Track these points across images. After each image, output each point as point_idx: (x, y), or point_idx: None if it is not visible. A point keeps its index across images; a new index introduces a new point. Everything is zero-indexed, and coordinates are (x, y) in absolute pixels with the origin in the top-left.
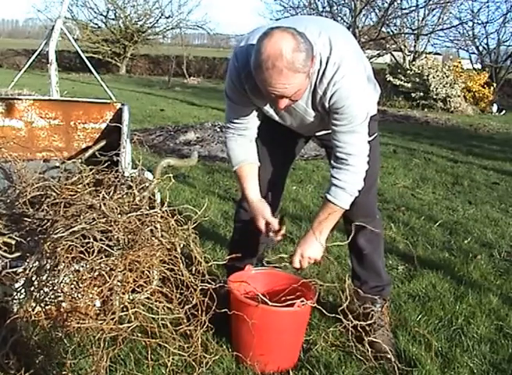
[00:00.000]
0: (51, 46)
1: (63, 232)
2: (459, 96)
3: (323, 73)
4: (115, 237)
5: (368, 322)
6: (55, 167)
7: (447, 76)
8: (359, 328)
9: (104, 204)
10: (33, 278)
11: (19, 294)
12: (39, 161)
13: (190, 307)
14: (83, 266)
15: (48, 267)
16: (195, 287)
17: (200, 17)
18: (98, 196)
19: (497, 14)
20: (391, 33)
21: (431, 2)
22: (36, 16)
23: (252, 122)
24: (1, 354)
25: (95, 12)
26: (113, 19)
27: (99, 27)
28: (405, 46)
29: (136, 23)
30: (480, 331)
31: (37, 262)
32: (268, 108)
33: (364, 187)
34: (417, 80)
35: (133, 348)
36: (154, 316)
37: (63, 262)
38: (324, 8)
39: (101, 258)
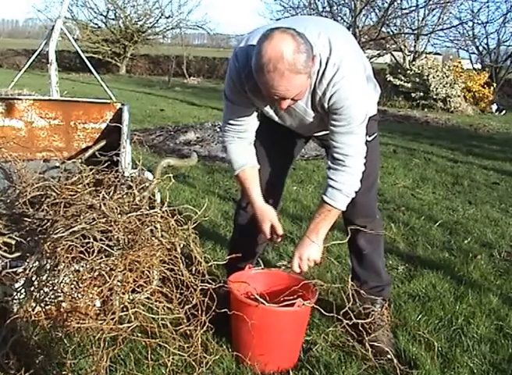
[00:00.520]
0: (51, 46)
1: (63, 232)
2: (459, 96)
3: (323, 73)
4: (115, 237)
5: (368, 322)
6: (55, 167)
7: (447, 76)
8: (359, 328)
9: (104, 204)
10: (33, 278)
11: (19, 294)
12: (39, 161)
13: (190, 307)
14: (83, 266)
15: (48, 267)
16: (195, 287)
17: (200, 17)
18: (98, 196)
19: (497, 14)
20: (391, 33)
21: (431, 2)
22: (36, 16)
23: (251, 124)
24: (1, 354)
25: (95, 12)
26: (113, 19)
27: (99, 27)
28: (405, 46)
29: (136, 23)
30: (480, 331)
31: (37, 262)
32: (268, 109)
33: (364, 187)
34: (417, 80)
35: (133, 348)
36: (154, 316)
37: (63, 262)
38: (324, 8)
39: (101, 258)
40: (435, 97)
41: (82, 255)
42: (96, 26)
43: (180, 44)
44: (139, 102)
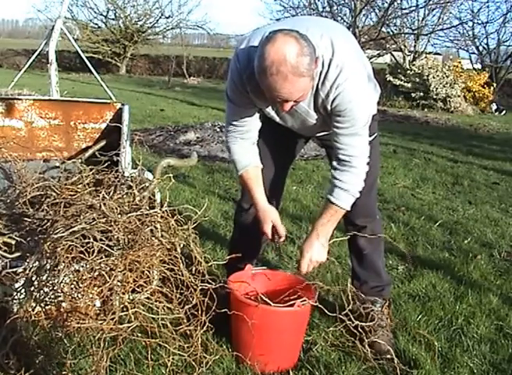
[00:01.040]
0: (51, 46)
1: (63, 232)
2: (459, 96)
3: (325, 75)
4: (115, 237)
5: (368, 322)
6: (55, 167)
7: (447, 76)
8: (359, 328)
9: (104, 204)
10: (33, 278)
11: (19, 294)
12: (39, 161)
13: (190, 307)
14: (83, 266)
15: (48, 267)
16: (195, 287)
17: (200, 17)
18: (98, 196)
19: (497, 14)
20: (391, 33)
21: (431, 2)
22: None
23: (253, 124)
24: (1, 354)
25: (95, 12)
26: (113, 19)
27: (99, 27)
28: (405, 46)
29: (136, 23)
30: (480, 331)
31: (37, 262)
32: (269, 110)
33: (365, 187)
34: (417, 80)
35: (133, 348)
36: (154, 316)
37: (63, 262)
38: (324, 8)
39: (101, 258)
40: (435, 97)
41: (82, 255)
42: (96, 26)
43: (180, 44)
44: (139, 102)
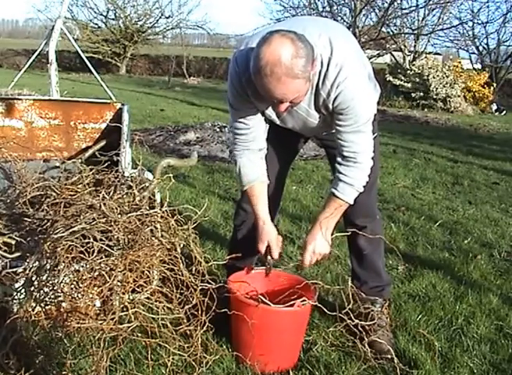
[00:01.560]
0: (51, 46)
1: (63, 232)
2: (459, 96)
3: (325, 74)
4: (115, 237)
5: (368, 322)
6: (55, 167)
7: (447, 76)
8: (359, 328)
9: (104, 204)
10: (33, 278)
11: (19, 294)
12: (39, 161)
13: (190, 307)
14: (83, 266)
15: (48, 267)
16: (195, 287)
17: (200, 17)
18: (98, 196)
19: (497, 14)
20: (391, 33)
21: (431, 2)
22: (36, 16)
23: (258, 131)
24: (1, 354)
25: (95, 12)
26: (113, 19)
27: (99, 27)
28: (405, 46)
29: (136, 23)
30: (480, 331)
31: (37, 262)
32: (270, 112)
33: (365, 187)
34: (417, 80)
35: (133, 348)
36: (154, 316)
37: (63, 262)
38: (324, 8)
39: (101, 258)
40: (435, 97)
41: (82, 255)
42: (96, 26)
43: (180, 44)
44: (139, 102)
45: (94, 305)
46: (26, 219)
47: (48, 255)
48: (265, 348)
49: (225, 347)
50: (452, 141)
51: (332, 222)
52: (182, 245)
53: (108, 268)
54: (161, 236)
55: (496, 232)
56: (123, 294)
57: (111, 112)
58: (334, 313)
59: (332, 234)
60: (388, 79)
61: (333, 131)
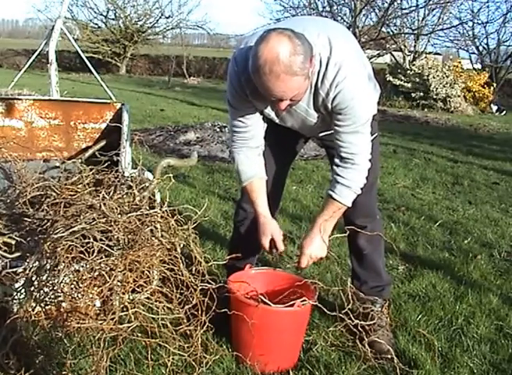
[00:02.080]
0: (51, 46)
1: (63, 232)
2: (459, 96)
3: (324, 74)
4: (115, 237)
5: (368, 322)
6: (55, 167)
7: (447, 76)
8: (359, 328)
9: (104, 204)
10: (33, 278)
11: (19, 294)
12: (39, 161)
13: (190, 307)
14: (83, 266)
15: (48, 267)
16: (195, 287)
17: (200, 17)
18: (98, 196)
19: (497, 14)
20: (391, 33)
21: (431, 2)
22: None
23: (257, 130)
24: (1, 354)
25: (95, 12)
26: (113, 19)
27: (99, 27)
28: (405, 46)
29: (136, 23)
30: (480, 331)
31: (37, 262)
32: (269, 111)
33: (365, 187)
34: (417, 80)
35: (133, 348)
36: (154, 316)
37: (63, 262)
38: (324, 8)
39: (101, 258)
40: (435, 97)
41: (82, 255)
42: (96, 26)
43: (180, 44)
44: (139, 102)
45: (94, 305)
46: (26, 219)
47: (48, 255)
48: (265, 348)
49: (225, 347)
50: (452, 141)
51: (330, 224)
52: (182, 245)
53: (108, 268)
54: (161, 236)
55: (496, 232)
56: (123, 294)
57: (111, 112)
58: (334, 313)
59: (331, 235)
60: (388, 79)
61: (333, 131)
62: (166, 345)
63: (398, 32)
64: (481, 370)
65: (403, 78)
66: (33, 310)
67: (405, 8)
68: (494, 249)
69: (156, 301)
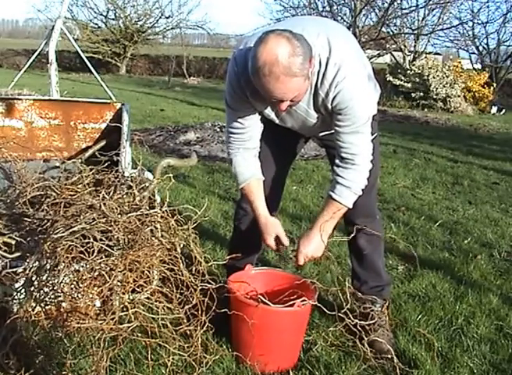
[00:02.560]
0: (51, 46)
1: (63, 232)
2: (459, 96)
3: (324, 74)
4: (115, 237)
5: (369, 323)
6: (55, 167)
7: (447, 76)
8: (359, 328)
9: (104, 204)
10: (33, 278)
11: (19, 294)
12: (39, 161)
13: (190, 307)
14: (83, 266)
15: (48, 267)
16: (195, 287)
17: (200, 17)
18: (98, 196)
19: (497, 14)
20: (391, 33)
21: (431, 2)
22: (36, 16)
23: (254, 131)
24: (1, 354)
25: (95, 12)
26: (113, 19)
27: (99, 27)
28: (405, 46)
29: (136, 23)
30: (480, 331)
31: (37, 262)
32: (269, 112)
33: (365, 187)
34: (417, 80)
35: (133, 348)
36: (154, 316)
37: (63, 262)
38: (324, 8)
39: (101, 258)
40: (435, 97)
41: (82, 255)
42: (96, 26)
43: (180, 44)
44: (139, 102)
45: (94, 305)
46: (26, 219)
47: (48, 255)
48: (265, 348)
49: (225, 347)
50: (452, 141)
51: (330, 225)
52: (182, 245)
53: (108, 268)
54: (161, 236)
55: (496, 232)
56: (123, 294)
57: (111, 112)
58: (334, 313)
59: (330, 237)
60: (388, 79)
61: (333, 131)
62: (166, 345)
63: (398, 32)
64: (481, 370)
65: (403, 78)
66: (33, 310)
67: (405, 8)
68: (494, 249)
69: (156, 301)
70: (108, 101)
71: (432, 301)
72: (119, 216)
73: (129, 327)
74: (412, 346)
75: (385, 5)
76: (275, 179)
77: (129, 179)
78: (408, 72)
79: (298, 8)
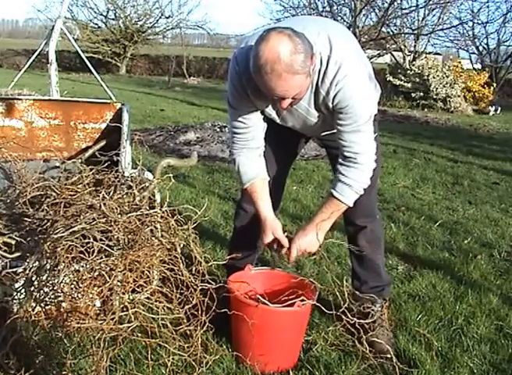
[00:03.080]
0: (51, 46)
1: (63, 232)
2: (459, 96)
3: (324, 72)
4: (115, 237)
5: (368, 321)
6: (55, 167)
7: (447, 76)
8: (358, 327)
9: (104, 204)
10: (33, 278)
11: (19, 294)
12: (39, 161)
13: (190, 307)
14: (83, 266)
15: (48, 267)
16: (195, 287)
17: (200, 17)
18: (98, 196)
19: (497, 14)
20: (391, 33)
21: (431, 2)
22: (36, 16)
23: (257, 131)
24: (1, 354)
25: (95, 12)
26: (113, 19)
27: (99, 27)
28: (405, 46)
29: (136, 23)
30: (480, 331)
31: (37, 262)
32: (270, 111)
33: (365, 189)
34: (417, 80)
35: (133, 348)
36: (154, 316)
37: (63, 262)
38: (324, 8)
39: (101, 258)
40: (435, 97)
41: (82, 255)
42: (96, 26)
43: (180, 44)
44: (139, 102)
45: (94, 305)
46: (26, 219)
47: (48, 255)
48: (265, 348)
49: (225, 347)
50: (452, 141)
51: (327, 224)
52: (182, 245)
53: (108, 268)
54: (161, 236)
55: (496, 232)
56: (123, 294)
57: (111, 112)
58: (332, 312)
59: (328, 238)
60: (388, 79)
61: (334, 131)
62: (166, 345)
63: (398, 32)
64: (481, 370)
65: (403, 78)
66: (33, 310)
67: (405, 8)
68: (494, 249)
69: (156, 301)
70: (108, 101)
71: (431, 301)
72: (119, 216)
73: (129, 327)
74: (412, 346)
75: (385, 5)
76: (276, 179)
77: (129, 179)
78: (408, 72)
79: (298, 8)
